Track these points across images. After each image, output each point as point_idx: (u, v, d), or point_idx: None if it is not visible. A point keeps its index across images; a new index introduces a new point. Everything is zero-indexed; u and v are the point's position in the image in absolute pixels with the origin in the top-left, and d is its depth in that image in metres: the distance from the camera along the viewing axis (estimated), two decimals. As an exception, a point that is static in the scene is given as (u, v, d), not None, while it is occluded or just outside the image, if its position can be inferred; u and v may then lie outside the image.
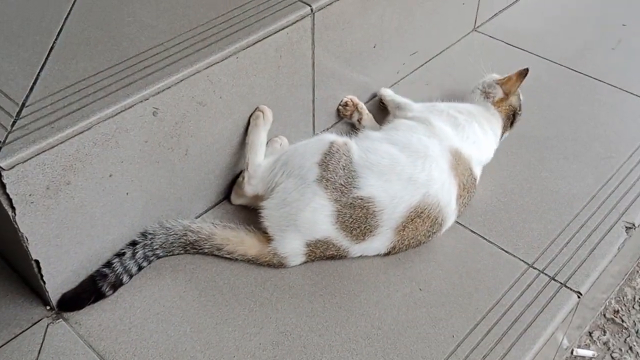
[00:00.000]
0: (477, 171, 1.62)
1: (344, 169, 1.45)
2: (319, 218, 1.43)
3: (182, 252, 1.49)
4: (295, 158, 1.49)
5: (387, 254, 1.50)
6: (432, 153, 1.51)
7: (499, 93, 1.73)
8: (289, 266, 1.48)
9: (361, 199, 1.43)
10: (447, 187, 1.49)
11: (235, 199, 1.63)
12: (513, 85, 1.73)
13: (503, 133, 1.75)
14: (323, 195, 1.43)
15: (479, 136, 1.64)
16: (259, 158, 1.55)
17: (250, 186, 1.54)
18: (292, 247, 1.45)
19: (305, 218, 1.43)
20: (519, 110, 1.77)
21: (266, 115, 1.58)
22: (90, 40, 1.46)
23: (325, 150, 1.47)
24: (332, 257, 1.49)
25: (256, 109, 1.58)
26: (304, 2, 1.58)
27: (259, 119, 1.57)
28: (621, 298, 1.89)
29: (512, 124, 1.77)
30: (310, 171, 1.45)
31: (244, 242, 1.48)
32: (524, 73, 1.72)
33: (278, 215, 1.46)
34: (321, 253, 1.47)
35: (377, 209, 1.43)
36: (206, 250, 1.48)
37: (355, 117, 1.84)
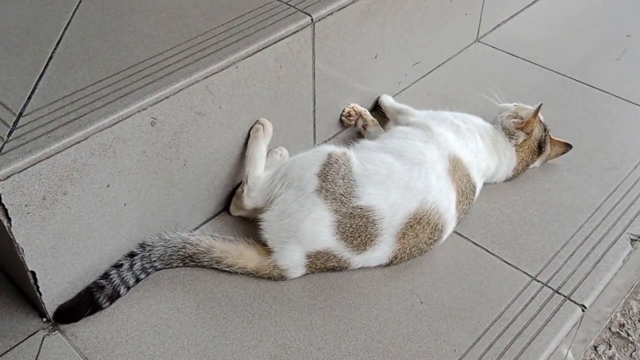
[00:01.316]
0: (477, 179, 1.61)
1: (343, 178, 1.44)
2: (319, 229, 1.42)
3: (180, 264, 1.47)
4: (294, 170, 1.48)
5: (390, 263, 1.48)
6: (428, 160, 1.51)
7: (521, 136, 1.69)
8: (290, 278, 1.46)
9: (361, 208, 1.42)
10: (445, 193, 1.49)
11: (235, 211, 1.62)
12: (532, 124, 1.68)
13: (529, 164, 1.72)
14: (323, 206, 1.42)
15: (480, 146, 1.63)
16: (259, 171, 1.54)
17: (250, 199, 1.53)
18: (292, 259, 1.44)
19: (305, 229, 1.42)
20: (545, 132, 1.72)
21: (266, 128, 1.57)
22: (89, 49, 1.45)
23: (324, 162, 1.46)
24: (333, 269, 1.47)
25: (256, 121, 1.57)
26: (304, 12, 1.57)
27: (258, 131, 1.56)
28: (627, 311, 1.86)
29: (541, 150, 1.72)
30: (310, 182, 1.44)
31: (244, 254, 1.46)
32: (537, 110, 1.68)
33: (278, 226, 1.45)
34: (322, 265, 1.45)
35: (377, 217, 1.42)
36: (205, 263, 1.46)
37: (360, 123, 1.84)
